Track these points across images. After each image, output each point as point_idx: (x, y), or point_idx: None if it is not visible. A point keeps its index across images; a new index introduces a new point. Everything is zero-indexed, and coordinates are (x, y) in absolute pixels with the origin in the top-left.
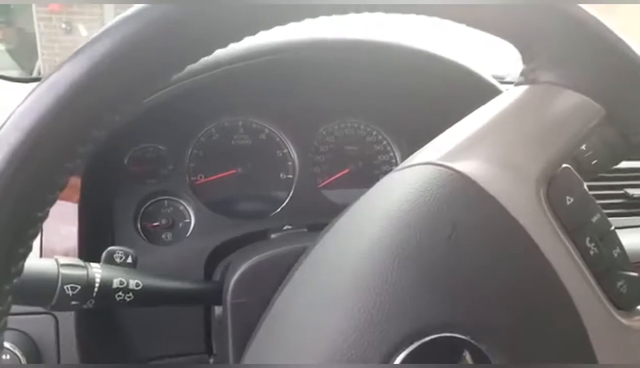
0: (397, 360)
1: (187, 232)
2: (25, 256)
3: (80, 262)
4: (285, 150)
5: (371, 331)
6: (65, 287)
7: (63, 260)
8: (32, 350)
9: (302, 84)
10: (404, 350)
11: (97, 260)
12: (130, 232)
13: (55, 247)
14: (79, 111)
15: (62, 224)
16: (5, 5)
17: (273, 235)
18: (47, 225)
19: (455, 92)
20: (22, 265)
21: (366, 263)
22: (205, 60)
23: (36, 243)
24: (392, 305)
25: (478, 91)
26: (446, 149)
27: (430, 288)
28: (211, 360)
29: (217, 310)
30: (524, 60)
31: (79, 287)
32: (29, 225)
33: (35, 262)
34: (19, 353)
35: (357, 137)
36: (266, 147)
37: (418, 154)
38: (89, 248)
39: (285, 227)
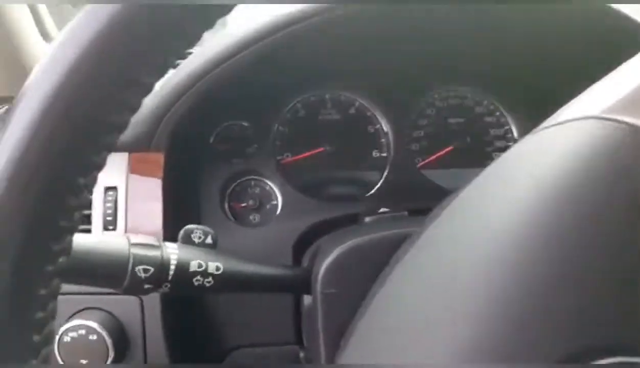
0: None
1: (274, 214)
2: (71, 231)
3: (154, 241)
4: (378, 126)
5: (527, 336)
6: (137, 268)
7: (135, 238)
8: (118, 331)
9: (396, 48)
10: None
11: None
12: (216, 212)
13: (139, 226)
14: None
15: (146, 202)
16: None
17: (367, 219)
18: (130, 203)
19: (598, 41)
20: (69, 242)
21: (517, 245)
22: (290, 29)
23: (120, 222)
24: (566, 303)
25: (630, 38)
26: (610, 100)
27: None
28: (301, 354)
29: (307, 299)
30: None
31: (152, 269)
32: (70, 192)
33: (104, 240)
34: (105, 334)
35: (463, 108)
36: (356, 122)
37: (565, 110)
38: (174, 229)
39: (381, 210)
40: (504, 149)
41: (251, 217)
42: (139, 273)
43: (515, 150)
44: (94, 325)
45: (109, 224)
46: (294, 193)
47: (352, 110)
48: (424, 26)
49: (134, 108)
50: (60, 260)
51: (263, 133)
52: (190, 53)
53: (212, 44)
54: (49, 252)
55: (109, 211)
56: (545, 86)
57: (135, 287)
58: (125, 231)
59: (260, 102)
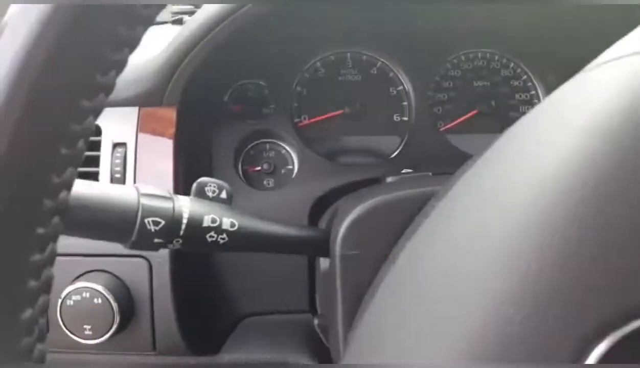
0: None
1: (289, 179)
2: (72, 162)
3: (166, 193)
4: (400, 87)
5: (565, 308)
6: (146, 220)
7: (145, 188)
8: (125, 294)
9: (421, 8)
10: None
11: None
12: (229, 174)
13: (149, 182)
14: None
15: (156, 160)
16: None
17: (389, 179)
18: (140, 161)
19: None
20: (71, 175)
21: (558, 200)
22: None
23: (129, 179)
24: (611, 268)
25: None
26: None
27: None
28: (316, 321)
29: (323, 263)
30: None
31: (163, 222)
32: (73, 117)
33: (111, 188)
34: (110, 298)
35: (489, 71)
36: (378, 83)
37: (606, 52)
38: (186, 188)
39: (404, 171)
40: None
41: (265, 182)
42: (148, 226)
43: (555, 96)
44: (99, 288)
45: (117, 182)
46: (311, 157)
47: (373, 71)
48: None
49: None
50: (61, 195)
51: (280, 93)
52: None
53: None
54: (48, 183)
55: (117, 168)
56: (575, 50)
57: (144, 242)
58: None
59: (277, 60)
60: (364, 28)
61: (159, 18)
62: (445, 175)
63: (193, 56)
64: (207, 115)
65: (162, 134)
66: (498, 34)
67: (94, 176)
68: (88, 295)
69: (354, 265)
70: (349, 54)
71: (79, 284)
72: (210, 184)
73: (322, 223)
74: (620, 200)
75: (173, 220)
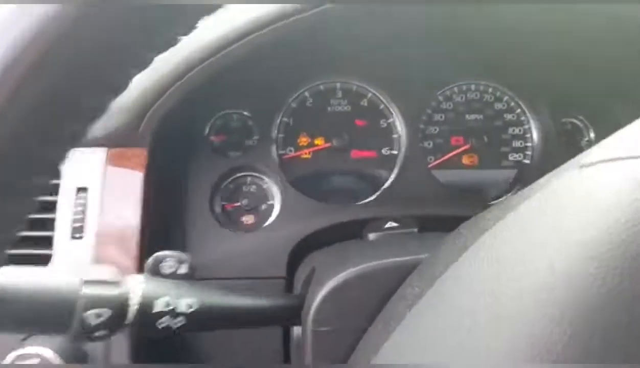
0: None
1: (270, 216)
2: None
3: (114, 276)
4: (391, 120)
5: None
6: (87, 314)
7: (90, 274)
8: (80, 360)
9: (415, 38)
10: None
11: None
12: (204, 215)
13: (112, 231)
14: None
15: (123, 207)
16: None
17: (372, 236)
18: (105, 207)
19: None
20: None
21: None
22: (298, 16)
23: (90, 227)
24: None
25: None
26: None
27: None
28: None
29: (297, 331)
30: None
31: (108, 313)
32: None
33: (48, 279)
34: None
35: (482, 104)
36: (368, 115)
37: (608, 145)
38: (155, 233)
39: (388, 225)
40: (521, 150)
41: (244, 219)
42: (88, 320)
43: (550, 193)
44: (50, 354)
45: (76, 232)
46: (294, 193)
47: (364, 102)
48: (445, 18)
49: None
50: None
51: (265, 124)
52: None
53: (204, 32)
54: None
55: (78, 216)
56: (570, 84)
57: (85, 335)
58: (95, 238)
59: (263, 89)
60: (355, 57)
61: None
62: (430, 232)
63: (167, 98)
64: (183, 150)
65: (130, 177)
66: (493, 65)
67: (49, 224)
68: (37, 361)
69: (326, 341)
70: (338, 84)
71: (28, 350)
72: (167, 258)
73: (300, 276)
74: None
75: (120, 309)
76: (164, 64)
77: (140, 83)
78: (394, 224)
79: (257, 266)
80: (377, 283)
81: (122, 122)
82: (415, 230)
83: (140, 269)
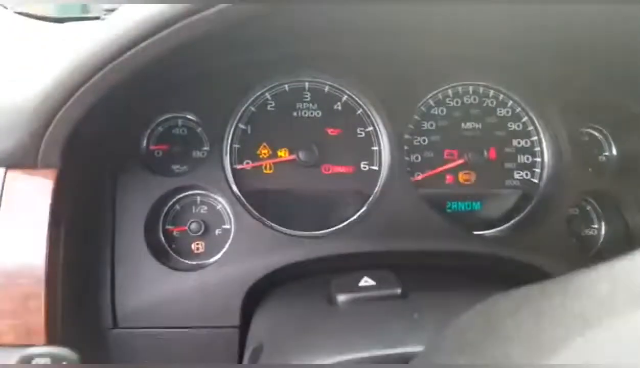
0: None
1: (224, 245)
2: None
3: None
4: (370, 128)
5: None
6: None
7: None
8: None
9: (403, 27)
10: None
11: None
12: (138, 249)
13: (8, 268)
14: None
15: (25, 234)
16: None
17: (341, 299)
18: (1, 237)
19: None
20: None
21: None
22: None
23: None
24: None
25: None
26: None
27: None
28: None
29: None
30: None
31: None
32: None
33: None
34: None
35: (481, 110)
36: (342, 122)
37: None
38: (71, 279)
39: (363, 283)
40: (529, 167)
41: (194, 246)
42: None
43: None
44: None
45: None
46: (251, 220)
47: (337, 106)
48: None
49: None
50: None
51: (216, 131)
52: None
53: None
54: None
55: None
56: (590, 86)
57: None
58: None
59: (214, 89)
60: (326, 51)
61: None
62: (417, 302)
63: (81, 96)
64: (109, 169)
65: (33, 207)
66: (494, 63)
67: None
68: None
69: None
70: (307, 84)
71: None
72: (35, 357)
73: (256, 325)
74: None
75: None
76: (72, 55)
77: (42, 77)
78: (370, 282)
79: (204, 313)
80: None
81: (19, 138)
82: (398, 291)
83: (48, 329)
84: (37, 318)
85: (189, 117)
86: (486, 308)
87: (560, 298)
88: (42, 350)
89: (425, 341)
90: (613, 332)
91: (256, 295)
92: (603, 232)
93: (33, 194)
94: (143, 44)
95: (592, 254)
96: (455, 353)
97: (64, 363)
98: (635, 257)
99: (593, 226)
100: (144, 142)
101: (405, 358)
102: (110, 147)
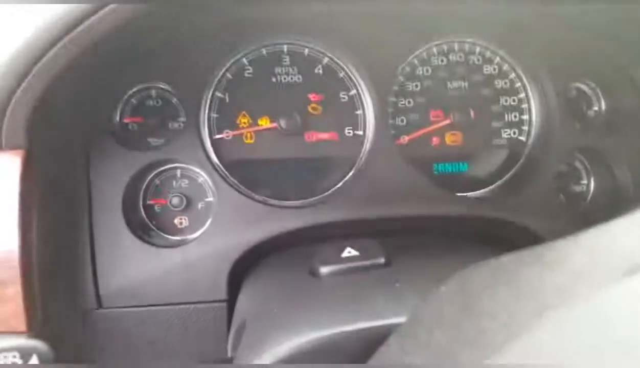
0: None
1: (207, 218)
2: None
3: None
4: (354, 91)
5: None
6: None
7: None
8: None
9: None
10: None
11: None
12: (117, 227)
13: None
14: None
15: None
16: None
17: (324, 270)
18: None
19: None
20: None
21: None
22: None
23: None
24: None
25: None
26: None
27: None
28: None
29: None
30: None
31: None
32: None
33: None
34: None
35: (467, 68)
36: (324, 86)
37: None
38: (49, 261)
39: (346, 253)
40: (516, 125)
41: (177, 221)
42: None
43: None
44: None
45: None
46: (232, 191)
47: (318, 69)
48: None
49: None
50: None
51: (192, 101)
52: None
53: None
54: None
55: None
56: (578, 42)
57: None
58: None
59: (188, 57)
60: (304, 12)
61: None
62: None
63: (36, 73)
64: (81, 146)
65: (2, 189)
66: (480, 19)
67: None
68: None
69: None
70: (285, 47)
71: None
72: (4, 352)
73: (243, 296)
74: None
75: None
76: (22, 31)
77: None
78: (353, 252)
79: (191, 289)
80: (333, 357)
81: None
82: (382, 260)
83: (29, 316)
84: (16, 306)
85: (162, 86)
86: (463, 280)
87: (536, 269)
88: (10, 344)
89: (407, 312)
90: (590, 306)
91: (243, 267)
92: (592, 187)
93: (0, 178)
94: (101, 12)
95: (580, 210)
96: (434, 327)
97: (34, 357)
98: (612, 227)
99: (582, 182)
100: (117, 116)
101: (389, 329)
102: (81, 123)
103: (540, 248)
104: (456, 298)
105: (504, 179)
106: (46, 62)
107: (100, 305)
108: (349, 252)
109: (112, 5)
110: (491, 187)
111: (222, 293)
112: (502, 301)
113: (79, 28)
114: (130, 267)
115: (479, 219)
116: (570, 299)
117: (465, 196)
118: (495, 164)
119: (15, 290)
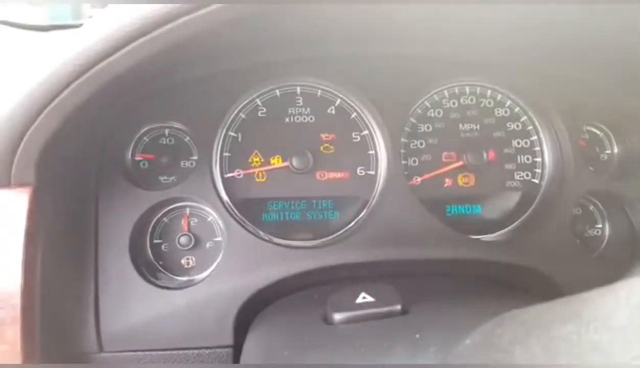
0: None
1: (215, 258)
2: None
3: None
4: (366, 132)
5: None
6: None
7: None
8: None
9: (396, 28)
10: None
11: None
12: (123, 267)
13: None
14: None
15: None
16: None
17: (337, 318)
18: None
19: None
20: None
21: None
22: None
23: None
24: None
25: None
26: None
27: None
28: None
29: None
30: None
31: None
32: None
33: None
34: None
35: (479, 111)
36: (337, 127)
37: None
38: (51, 302)
39: (360, 298)
40: (529, 167)
41: (184, 261)
42: None
43: None
44: None
45: None
46: (242, 231)
47: (331, 110)
48: (431, 7)
49: None
50: None
51: (205, 140)
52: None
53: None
54: None
55: None
56: (590, 84)
57: None
58: None
59: (201, 96)
60: (318, 54)
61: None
62: (417, 320)
63: (53, 109)
64: (90, 183)
65: (8, 227)
66: (491, 63)
67: None
68: None
69: None
70: (299, 88)
71: None
72: None
73: (250, 343)
74: None
75: None
76: (41, 67)
77: (10, 97)
78: (368, 298)
79: (196, 333)
80: None
81: None
82: (398, 308)
83: (26, 359)
84: (14, 347)
85: (175, 126)
86: (489, 333)
87: (574, 326)
88: None
89: (429, 364)
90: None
91: (251, 311)
92: (607, 232)
93: (6, 215)
94: (120, 53)
95: (596, 255)
96: None
97: None
98: None
99: (597, 226)
100: (129, 154)
101: None
102: (92, 160)
103: (575, 299)
104: (483, 352)
105: (518, 221)
106: (60, 102)
107: (101, 348)
108: (363, 297)
109: (128, 47)
110: (505, 230)
111: (228, 339)
112: (534, 356)
113: (95, 68)
114: (134, 309)
115: (492, 263)
116: (612, 359)
117: (479, 239)
118: (508, 206)
119: (14, 331)
